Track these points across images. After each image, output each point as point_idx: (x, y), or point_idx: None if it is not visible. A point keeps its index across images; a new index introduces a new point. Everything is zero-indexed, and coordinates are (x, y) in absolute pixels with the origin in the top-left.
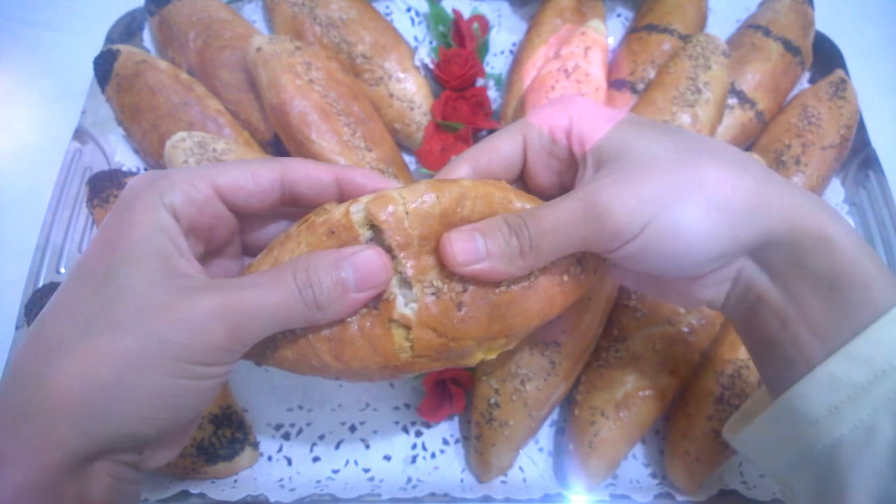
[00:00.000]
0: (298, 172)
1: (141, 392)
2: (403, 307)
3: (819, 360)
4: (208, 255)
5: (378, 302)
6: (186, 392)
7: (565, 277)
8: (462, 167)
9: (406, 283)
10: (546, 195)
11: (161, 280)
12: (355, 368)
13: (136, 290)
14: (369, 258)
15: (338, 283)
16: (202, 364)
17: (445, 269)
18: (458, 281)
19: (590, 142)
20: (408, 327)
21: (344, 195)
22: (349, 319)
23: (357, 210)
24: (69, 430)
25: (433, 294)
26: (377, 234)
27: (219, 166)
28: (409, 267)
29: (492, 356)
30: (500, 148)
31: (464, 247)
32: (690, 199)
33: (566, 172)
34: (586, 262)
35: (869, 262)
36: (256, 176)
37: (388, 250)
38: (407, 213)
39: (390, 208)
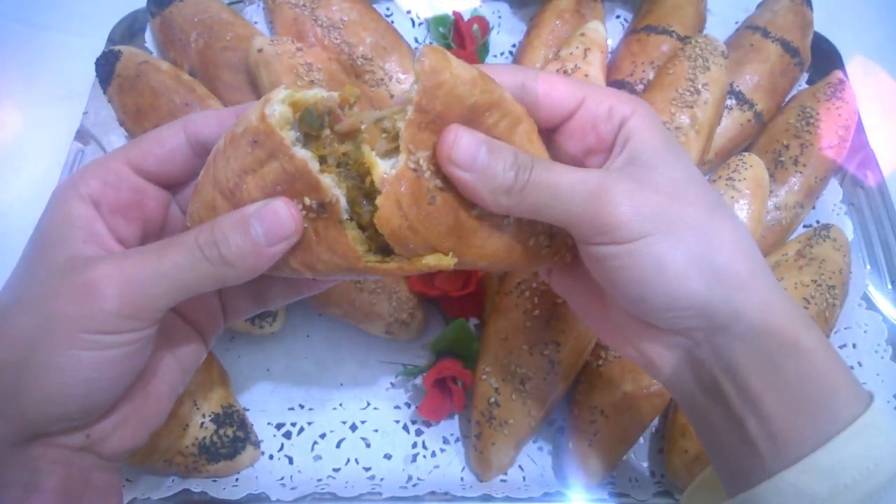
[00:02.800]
0: (199, 123)
1: (44, 369)
2: (386, 167)
3: (775, 468)
4: (152, 234)
5: (324, 207)
6: (93, 364)
7: (531, 242)
8: (508, 77)
9: (395, 149)
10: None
11: (62, 263)
12: (322, 272)
13: (38, 277)
14: (275, 210)
15: (247, 241)
16: (102, 333)
17: (436, 160)
18: (441, 178)
19: (637, 138)
20: (373, 197)
21: None
22: (305, 225)
23: (272, 112)
24: None
25: (414, 170)
26: (307, 130)
27: (130, 142)
28: (407, 134)
29: (437, 267)
30: (559, 88)
31: (468, 145)
32: (692, 243)
33: (594, 153)
34: (556, 241)
35: (838, 370)
36: (161, 138)
37: (376, 127)
38: (445, 83)
39: (437, 66)
